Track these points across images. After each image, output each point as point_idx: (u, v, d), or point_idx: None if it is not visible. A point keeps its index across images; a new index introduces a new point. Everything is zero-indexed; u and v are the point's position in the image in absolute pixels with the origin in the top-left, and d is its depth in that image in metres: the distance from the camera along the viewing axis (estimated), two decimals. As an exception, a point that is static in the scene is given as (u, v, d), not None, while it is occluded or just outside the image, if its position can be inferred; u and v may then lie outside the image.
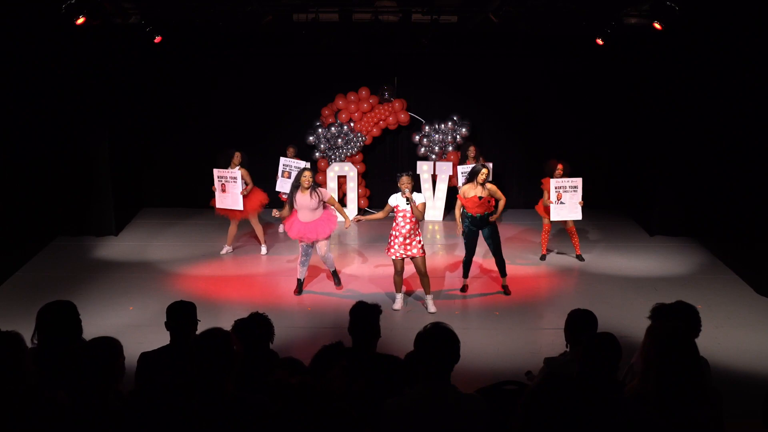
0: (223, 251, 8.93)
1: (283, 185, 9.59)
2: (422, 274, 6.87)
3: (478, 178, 7.08)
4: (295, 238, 7.27)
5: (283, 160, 9.64)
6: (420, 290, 7.34)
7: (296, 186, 7.14)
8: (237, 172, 8.53)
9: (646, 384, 2.75)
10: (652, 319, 3.58)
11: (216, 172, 8.58)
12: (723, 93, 8.84)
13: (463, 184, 7.34)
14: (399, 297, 7.07)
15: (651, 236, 9.88)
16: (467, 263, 7.53)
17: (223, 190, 8.57)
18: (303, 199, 7.09)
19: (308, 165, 8.74)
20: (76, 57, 8.84)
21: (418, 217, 6.65)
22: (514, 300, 7.40)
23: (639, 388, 2.79)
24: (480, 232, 7.30)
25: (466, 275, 7.59)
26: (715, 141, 9.19)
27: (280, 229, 10.05)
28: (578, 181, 8.30)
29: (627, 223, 10.67)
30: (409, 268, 7.36)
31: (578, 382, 2.77)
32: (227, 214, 8.78)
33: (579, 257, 8.77)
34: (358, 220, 7.57)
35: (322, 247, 7.30)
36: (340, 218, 7.60)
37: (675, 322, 3.34)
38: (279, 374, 3.07)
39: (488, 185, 7.14)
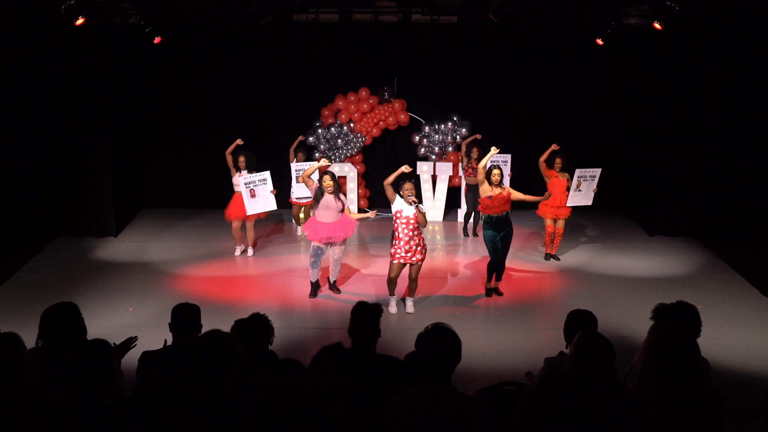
0: (237, 252, 8.90)
1: (299, 191, 9.47)
2: (412, 279, 6.89)
3: (492, 179, 7.14)
4: (324, 241, 7.13)
5: (294, 165, 9.53)
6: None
7: (321, 190, 7.12)
8: (266, 173, 8.43)
9: (645, 384, 2.75)
10: (655, 320, 3.58)
11: (242, 179, 8.38)
12: (723, 93, 8.84)
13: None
14: (393, 300, 7.04)
15: (651, 236, 9.88)
16: (492, 267, 7.38)
17: (252, 195, 8.40)
18: (329, 199, 7.10)
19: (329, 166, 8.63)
20: (76, 57, 8.83)
21: (422, 224, 6.65)
22: (515, 300, 7.39)
23: (639, 388, 2.78)
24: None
25: (490, 279, 7.48)
26: (715, 141, 9.19)
27: (298, 231, 9.96)
28: (597, 171, 8.64)
29: (627, 223, 10.66)
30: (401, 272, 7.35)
31: (577, 382, 2.76)
32: (227, 217, 8.71)
33: (553, 256, 8.81)
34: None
35: (337, 251, 7.28)
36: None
37: (676, 323, 3.34)
38: (257, 375, 3.06)
39: (506, 188, 7.23)
